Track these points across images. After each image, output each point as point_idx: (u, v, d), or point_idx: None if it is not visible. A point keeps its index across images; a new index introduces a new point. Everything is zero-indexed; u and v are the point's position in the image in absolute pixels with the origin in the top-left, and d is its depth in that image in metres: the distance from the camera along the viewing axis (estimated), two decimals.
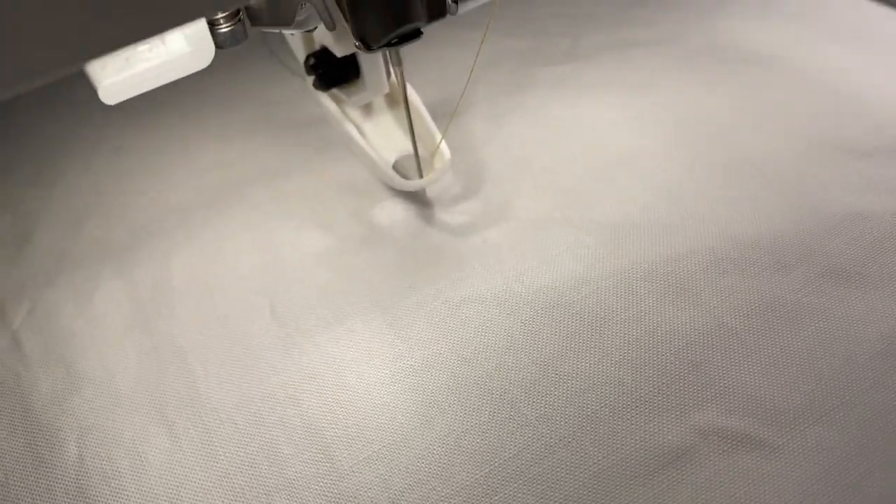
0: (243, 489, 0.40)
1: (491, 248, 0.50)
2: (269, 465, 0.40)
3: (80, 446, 0.42)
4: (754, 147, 0.55)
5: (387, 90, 0.53)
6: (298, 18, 0.41)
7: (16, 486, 0.41)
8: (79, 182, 0.60)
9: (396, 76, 0.49)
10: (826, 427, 0.39)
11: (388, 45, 0.42)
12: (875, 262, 0.46)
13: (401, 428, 0.41)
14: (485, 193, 0.54)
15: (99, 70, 0.37)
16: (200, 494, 0.40)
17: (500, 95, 0.63)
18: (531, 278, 0.48)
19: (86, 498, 0.40)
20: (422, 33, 0.42)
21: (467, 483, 0.39)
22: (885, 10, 0.68)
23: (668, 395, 0.41)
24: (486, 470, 0.39)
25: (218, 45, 0.39)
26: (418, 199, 0.55)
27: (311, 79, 0.52)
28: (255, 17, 0.41)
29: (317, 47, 0.51)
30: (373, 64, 0.50)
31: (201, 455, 0.41)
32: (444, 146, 0.52)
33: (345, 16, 0.41)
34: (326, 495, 0.39)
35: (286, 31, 0.46)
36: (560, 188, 0.54)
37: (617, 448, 0.39)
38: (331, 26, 0.41)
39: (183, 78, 0.40)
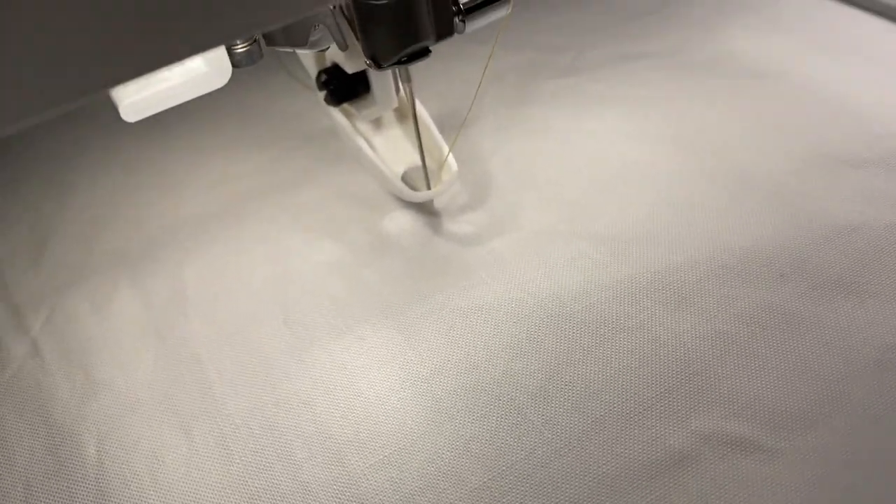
0: (259, 492, 0.41)
1: (497, 258, 0.51)
2: (284, 468, 0.42)
3: (99, 450, 0.44)
4: (753, 159, 0.56)
5: (396, 105, 0.55)
6: (312, 39, 0.42)
7: (37, 488, 0.42)
8: (93, 193, 0.62)
9: (405, 92, 0.50)
10: (824, 432, 0.40)
11: (398, 63, 0.43)
12: (870, 272, 0.47)
13: (411, 433, 0.42)
14: (491, 204, 0.56)
15: (120, 89, 0.39)
16: (217, 497, 0.41)
17: (506, 109, 0.64)
18: (536, 288, 0.49)
19: (105, 500, 0.41)
20: (430, 51, 0.44)
21: (476, 486, 0.40)
22: (883, 24, 0.69)
23: (670, 400, 0.42)
24: (494, 473, 0.40)
25: (234, 65, 0.41)
26: (426, 210, 0.56)
27: (322, 94, 0.54)
28: (270, 38, 0.42)
29: (328, 64, 0.52)
30: (382, 80, 0.52)
31: (217, 459, 0.42)
32: (451, 159, 0.54)
33: (356, 36, 0.42)
34: (339, 498, 0.40)
35: (299, 51, 0.48)
36: (564, 200, 0.55)
37: (621, 452, 0.40)
38: (343, 46, 0.43)
39: None
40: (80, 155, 0.65)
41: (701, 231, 0.51)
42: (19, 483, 0.43)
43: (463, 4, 0.43)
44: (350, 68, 0.49)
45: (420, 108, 0.55)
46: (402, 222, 0.55)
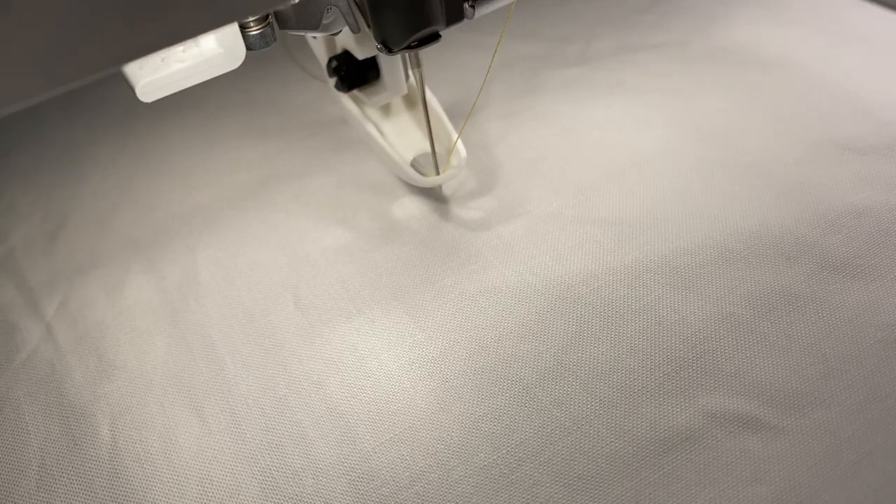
0: (271, 470, 0.41)
1: (505, 242, 0.52)
2: (296, 447, 0.42)
3: (112, 430, 0.44)
4: (759, 146, 0.57)
5: (405, 91, 0.55)
6: (324, 22, 0.43)
7: (52, 467, 0.43)
8: (106, 181, 0.62)
9: (415, 78, 0.51)
10: (829, 409, 0.40)
11: (408, 47, 0.44)
12: (874, 255, 0.47)
13: (421, 412, 0.43)
14: (499, 190, 0.56)
15: (137, 70, 0.40)
16: (229, 475, 0.41)
17: (514, 97, 0.65)
18: (544, 271, 0.49)
19: (119, 478, 0.42)
20: (440, 37, 0.44)
21: (485, 464, 0.40)
22: (888, 14, 0.69)
23: (677, 380, 0.42)
24: (503, 451, 0.41)
25: (248, 47, 0.41)
26: (435, 196, 0.56)
27: (332, 80, 0.54)
28: (283, 21, 0.43)
29: (338, 50, 0.53)
30: (392, 66, 0.52)
31: (230, 438, 0.43)
32: (460, 145, 0.54)
33: (367, 20, 0.43)
34: (350, 475, 0.41)
35: (311, 35, 0.48)
36: (571, 186, 0.56)
37: (628, 430, 0.41)
38: (356, 29, 0.43)
39: (208, 82, 0.42)
40: (92, 143, 0.66)
41: (707, 216, 0.51)
42: (34, 462, 0.43)
43: None
44: (360, 54, 0.49)
45: (429, 95, 0.55)
46: (411, 208, 0.56)
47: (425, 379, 0.44)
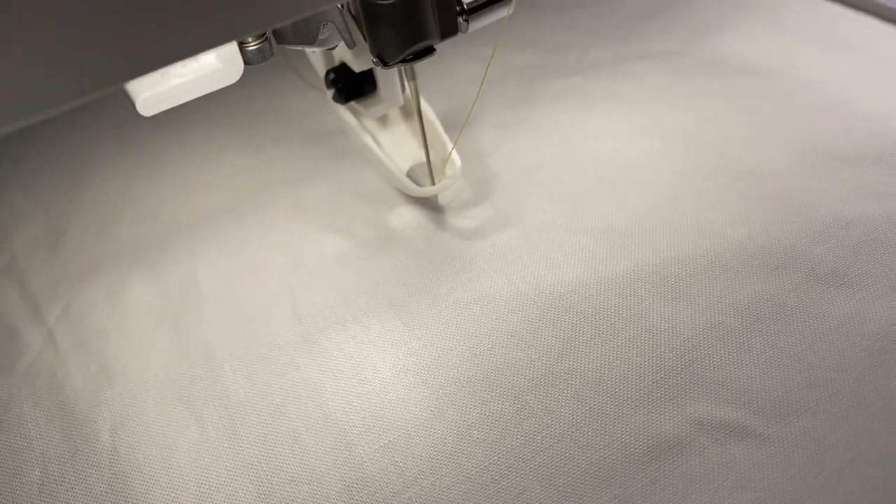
0: (267, 476, 0.42)
1: (499, 251, 0.53)
2: (292, 453, 0.43)
3: (113, 436, 0.45)
4: (751, 156, 0.57)
5: (402, 103, 0.56)
6: (321, 37, 0.43)
7: (53, 472, 0.44)
8: (108, 186, 0.63)
9: (411, 90, 0.51)
10: (814, 418, 0.41)
11: (404, 61, 0.45)
12: (861, 265, 0.48)
13: (414, 419, 0.44)
14: (493, 200, 0.57)
15: (136, 85, 0.40)
16: (227, 481, 0.42)
17: (509, 107, 0.66)
18: (537, 280, 0.50)
19: (119, 484, 0.43)
20: (435, 50, 0.45)
21: (476, 470, 0.41)
22: (880, 24, 0.70)
23: (665, 388, 0.43)
24: (494, 458, 0.41)
25: (246, 62, 0.42)
26: (430, 205, 0.57)
27: (330, 92, 0.55)
28: (280, 36, 0.44)
29: (336, 63, 0.54)
30: (389, 78, 0.53)
31: (227, 445, 0.44)
32: (455, 155, 0.55)
33: (363, 35, 0.44)
34: (345, 481, 0.41)
35: (308, 49, 0.49)
36: (565, 195, 0.56)
37: (617, 437, 0.41)
38: (351, 45, 0.44)
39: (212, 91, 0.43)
40: (94, 150, 0.67)
41: (698, 225, 0.52)
42: (36, 467, 0.44)
43: (466, 4, 0.44)
44: (357, 67, 0.50)
45: (425, 106, 0.56)
46: (407, 217, 0.57)
47: (419, 386, 0.45)
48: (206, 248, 0.56)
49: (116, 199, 0.62)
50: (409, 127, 0.59)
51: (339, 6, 0.42)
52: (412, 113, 0.58)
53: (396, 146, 0.58)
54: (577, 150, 0.60)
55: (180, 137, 0.67)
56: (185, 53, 0.30)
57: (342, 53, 0.52)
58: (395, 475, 0.41)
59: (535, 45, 0.73)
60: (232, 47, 0.41)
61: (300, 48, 0.46)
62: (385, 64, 0.44)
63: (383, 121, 0.59)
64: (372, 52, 0.44)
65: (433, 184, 0.55)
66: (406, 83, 0.53)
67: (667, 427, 0.41)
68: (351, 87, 0.54)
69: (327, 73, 0.54)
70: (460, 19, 0.44)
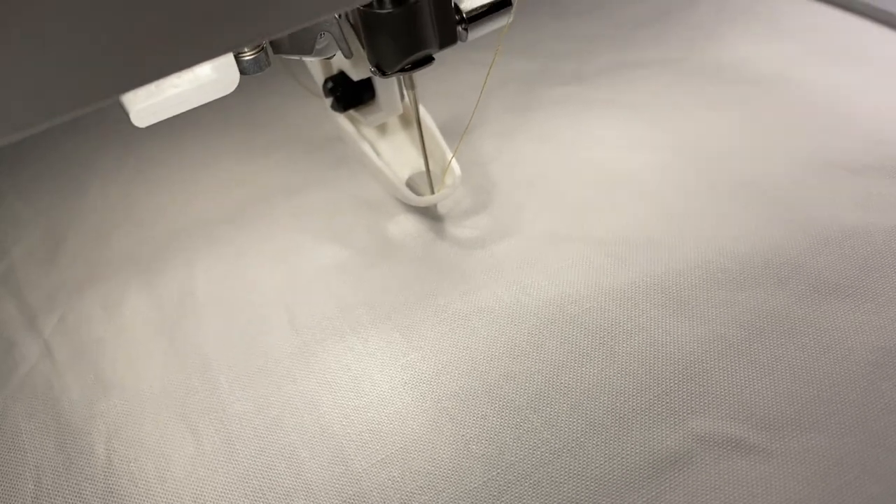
0: (263, 490, 0.42)
1: (498, 261, 0.52)
2: (288, 467, 0.42)
3: (108, 448, 0.45)
4: (753, 165, 0.57)
5: (400, 111, 0.56)
6: (318, 47, 0.43)
7: (47, 484, 0.43)
8: (106, 195, 0.63)
9: (409, 98, 0.51)
10: (817, 433, 0.40)
11: (402, 70, 0.44)
12: (865, 277, 0.48)
13: (412, 433, 0.43)
14: (493, 209, 0.56)
15: (131, 96, 0.40)
16: (222, 495, 0.42)
17: (509, 115, 0.65)
18: (537, 291, 0.50)
19: (114, 497, 0.42)
20: (434, 59, 0.45)
21: (475, 486, 0.40)
22: (882, 31, 0.69)
23: (667, 402, 0.43)
24: (494, 473, 0.41)
25: (242, 72, 0.41)
26: (430, 214, 0.57)
27: (329, 101, 0.55)
28: (277, 46, 0.43)
29: (334, 71, 0.53)
30: (387, 87, 0.53)
31: (223, 458, 0.43)
32: (454, 164, 0.54)
33: (361, 44, 0.43)
34: (341, 496, 0.41)
35: (306, 59, 0.49)
36: (566, 205, 0.56)
37: (618, 453, 0.41)
38: (348, 54, 0.44)
39: None
40: (92, 159, 0.67)
41: (700, 236, 0.52)
42: (30, 479, 0.44)
43: (466, 13, 0.44)
44: (355, 75, 0.50)
45: (424, 114, 0.56)
46: (406, 226, 0.56)
47: (417, 400, 0.45)
48: (204, 256, 0.56)
49: (115, 207, 0.62)
50: (408, 135, 0.59)
51: (337, 16, 0.42)
52: (411, 121, 0.58)
53: (396, 154, 0.58)
54: (578, 159, 0.60)
55: (178, 147, 0.67)
56: (180, 65, 0.30)
57: (340, 62, 0.51)
58: (392, 490, 0.41)
59: (535, 52, 0.73)
60: (227, 58, 0.40)
61: (297, 58, 0.45)
62: (383, 73, 0.44)
63: (382, 129, 0.59)
64: (370, 62, 0.44)
65: (433, 193, 0.54)
66: (405, 91, 0.53)
67: (669, 442, 0.41)
68: (349, 95, 0.54)
69: (325, 81, 0.54)
70: (459, 28, 0.44)
